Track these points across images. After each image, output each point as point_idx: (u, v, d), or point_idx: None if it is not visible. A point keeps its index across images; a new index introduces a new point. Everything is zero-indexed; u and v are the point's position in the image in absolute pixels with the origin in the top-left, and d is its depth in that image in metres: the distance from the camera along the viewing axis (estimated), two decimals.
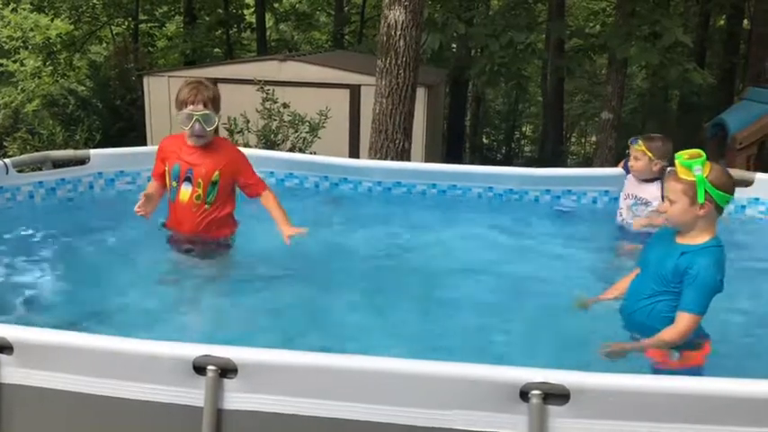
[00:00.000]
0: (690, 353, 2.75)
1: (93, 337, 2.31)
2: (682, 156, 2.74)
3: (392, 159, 6.73)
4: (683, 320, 2.70)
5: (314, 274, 3.70)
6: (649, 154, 4.18)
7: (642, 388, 2.06)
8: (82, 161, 4.74)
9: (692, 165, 2.69)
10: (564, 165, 16.27)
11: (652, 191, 4.20)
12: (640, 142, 4.24)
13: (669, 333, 2.72)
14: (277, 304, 3.33)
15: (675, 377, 2.26)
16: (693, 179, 2.68)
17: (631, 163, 4.31)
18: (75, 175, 4.65)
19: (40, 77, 19.62)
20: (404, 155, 6.96)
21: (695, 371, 2.72)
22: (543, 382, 2.03)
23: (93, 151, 4.81)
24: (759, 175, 4.42)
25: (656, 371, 2.73)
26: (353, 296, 3.46)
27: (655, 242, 2.99)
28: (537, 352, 2.91)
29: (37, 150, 8.10)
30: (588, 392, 2.04)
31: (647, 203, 4.21)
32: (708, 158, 2.73)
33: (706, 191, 2.67)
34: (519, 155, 25.38)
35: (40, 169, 4.56)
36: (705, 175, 2.67)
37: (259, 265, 3.73)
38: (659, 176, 4.23)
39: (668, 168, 2.84)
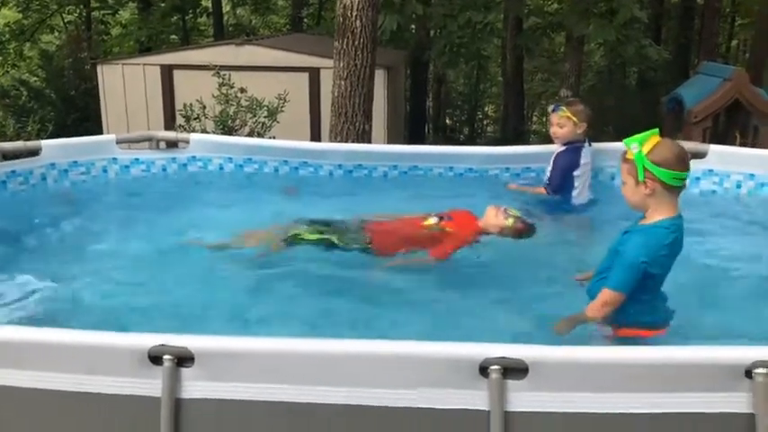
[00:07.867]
0: (631, 330, 2.74)
1: (45, 332, 2.25)
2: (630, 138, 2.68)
3: (353, 142, 6.70)
4: (601, 295, 2.70)
5: (272, 261, 3.67)
6: (574, 118, 4.23)
7: (599, 360, 2.07)
8: (34, 152, 4.61)
9: (629, 143, 2.63)
10: (526, 143, 16.38)
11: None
12: (564, 108, 4.27)
13: (589, 307, 2.74)
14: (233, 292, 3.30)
15: (632, 347, 2.29)
16: (633, 158, 2.62)
17: (554, 130, 4.32)
18: (27, 167, 4.52)
19: None
20: (365, 137, 6.94)
21: (639, 341, 2.68)
22: (502, 357, 2.03)
23: (44, 142, 4.69)
24: (713, 147, 4.47)
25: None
26: (313, 283, 3.43)
27: None
28: (498, 328, 2.92)
29: None
30: (546, 366, 2.05)
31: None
32: (662, 135, 2.68)
33: (645, 168, 2.57)
34: (482, 135, 25.47)
35: None
36: (645, 153, 2.57)
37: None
38: (584, 140, 4.28)
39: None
